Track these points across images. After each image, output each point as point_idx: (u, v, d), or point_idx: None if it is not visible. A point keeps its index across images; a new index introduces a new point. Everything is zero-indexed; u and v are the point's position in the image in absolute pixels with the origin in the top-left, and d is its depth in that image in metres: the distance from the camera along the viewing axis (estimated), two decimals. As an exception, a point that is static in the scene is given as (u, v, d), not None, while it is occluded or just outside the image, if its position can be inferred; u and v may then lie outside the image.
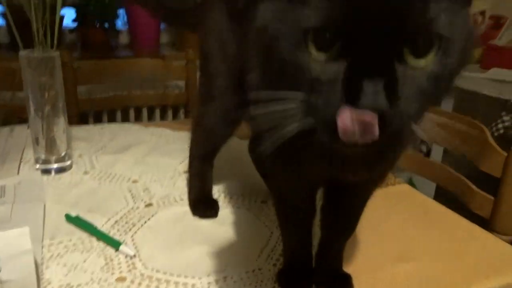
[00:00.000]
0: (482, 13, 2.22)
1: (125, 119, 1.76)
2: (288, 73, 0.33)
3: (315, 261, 0.59)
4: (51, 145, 0.84)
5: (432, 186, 1.52)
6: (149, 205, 0.75)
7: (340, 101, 0.30)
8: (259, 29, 0.35)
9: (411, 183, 1.79)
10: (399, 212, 0.78)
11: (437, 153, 1.88)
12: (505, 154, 0.89)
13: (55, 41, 0.80)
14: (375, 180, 0.52)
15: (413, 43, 0.30)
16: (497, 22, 2.22)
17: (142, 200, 0.77)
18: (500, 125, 1.55)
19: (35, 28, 0.78)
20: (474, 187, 0.96)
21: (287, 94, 0.32)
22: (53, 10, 0.78)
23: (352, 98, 0.29)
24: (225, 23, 0.65)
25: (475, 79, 1.77)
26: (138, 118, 1.80)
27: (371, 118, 0.29)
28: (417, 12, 0.29)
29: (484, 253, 0.67)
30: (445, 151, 1.78)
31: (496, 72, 1.85)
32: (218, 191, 0.82)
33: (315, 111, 0.32)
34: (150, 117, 1.85)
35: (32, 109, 0.82)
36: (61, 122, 0.84)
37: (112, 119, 1.73)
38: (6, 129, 1.05)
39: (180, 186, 0.82)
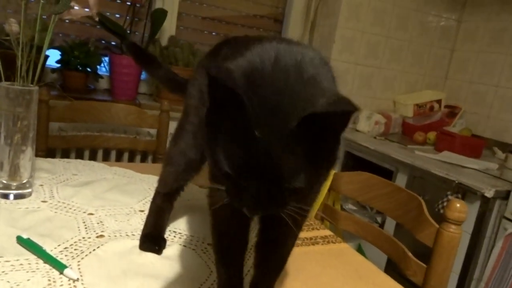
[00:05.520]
0: (438, 101, 2.43)
1: (92, 159, 1.80)
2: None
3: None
4: (14, 172, 0.88)
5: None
6: (100, 236, 0.79)
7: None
8: None
9: (359, 249, 1.86)
10: (334, 266, 0.84)
11: (390, 224, 1.97)
12: (437, 226, 0.98)
13: (36, 78, 0.87)
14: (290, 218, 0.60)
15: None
16: (452, 111, 2.44)
17: (94, 231, 0.81)
18: (445, 203, 1.66)
19: (19, 63, 0.85)
20: (410, 254, 1.04)
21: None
22: (39, 50, 0.86)
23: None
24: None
25: (428, 159, 1.91)
26: (105, 160, 1.84)
27: None
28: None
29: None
30: (397, 223, 1.86)
31: (446, 155, 2.01)
32: (170, 230, 0.87)
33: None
34: (118, 160, 1.89)
35: (2, 135, 0.86)
36: (28, 151, 0.88)
37: (79, 158, 1.77)
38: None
39: (134, 223, 0.87)
